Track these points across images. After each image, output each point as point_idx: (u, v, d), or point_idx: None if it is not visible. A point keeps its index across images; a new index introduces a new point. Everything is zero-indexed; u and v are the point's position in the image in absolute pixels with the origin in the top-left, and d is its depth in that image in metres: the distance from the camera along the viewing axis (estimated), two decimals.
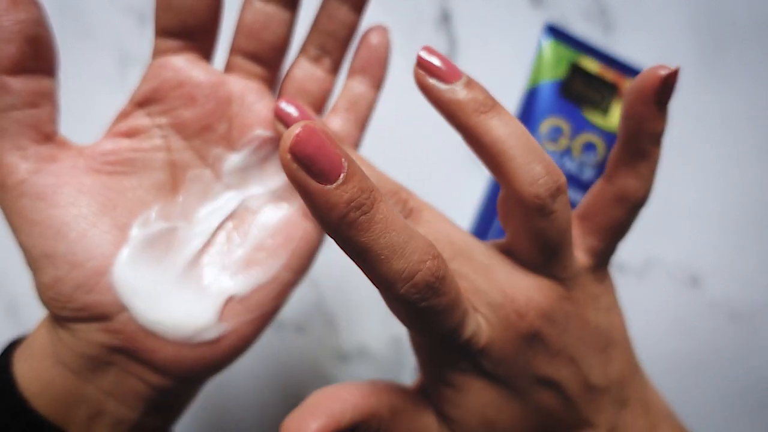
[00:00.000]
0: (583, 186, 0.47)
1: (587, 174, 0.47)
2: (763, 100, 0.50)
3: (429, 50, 0.23)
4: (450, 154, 0.51)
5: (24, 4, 0.23)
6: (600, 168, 0.47)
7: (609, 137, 0.47)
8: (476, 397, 0.24)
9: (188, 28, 0.27)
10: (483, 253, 0.25)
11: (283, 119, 0.27)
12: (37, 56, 0.24)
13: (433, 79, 0.23)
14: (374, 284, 0.20)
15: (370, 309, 0.48)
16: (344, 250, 0.19)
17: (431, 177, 0.51)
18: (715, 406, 0.52)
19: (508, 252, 0.25)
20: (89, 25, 0.48)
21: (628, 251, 0.51)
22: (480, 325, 0.23)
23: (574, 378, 0.25)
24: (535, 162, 0.22)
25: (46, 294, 0.25)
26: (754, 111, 0.50)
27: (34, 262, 0.25)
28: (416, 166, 0.51)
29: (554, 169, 0.23)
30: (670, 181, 0.51)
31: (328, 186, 0.17)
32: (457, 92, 0.23)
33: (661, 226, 0.51)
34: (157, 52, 0.27)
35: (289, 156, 0.17)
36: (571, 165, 0.47)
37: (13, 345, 0.27)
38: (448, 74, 0.23)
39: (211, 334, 0.26)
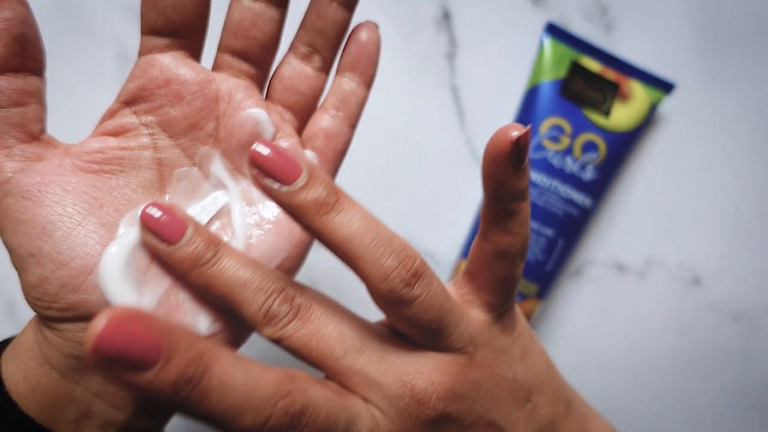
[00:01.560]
0: (584, 186, 0.47)
1: (588, 174, 0.47)
2: (763, 100, 0.50)
3: (264, 143, 0.22)
4: (450, 153, 0.50)
5: (9, 3, 0.23)
6: (601, 168, 0.47)
7: (610, 137, 0.47)
8: None
9: (175, 26, 0.26)
10: (376, 342, 0.24)
11: (150, 226, 0.25)
12: (24, 55, 0.24)
13: (269, 179, 0.22)
14: None
15: (369, 309, 0.48)
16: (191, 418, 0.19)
17: (431, 177, 0.50)
18: (716, 406, 0.52)
19: (399, 334, 0.25)
20: (89, 25, 0.48)
21: (629, 252, 0.51)
22: (376, 422, 0.23)
23: None
24: (384, 255, 0.22)
25: (31, 294, 0.24)
26: (754, 111, 0.50)
27: (19, 261, 0.24)
28: (417, 166, 0.50)
29: (406, 255, 0.22)
30: (670, 181, 0.51)
31: (149, 373, 0.17)
32: (297, 195, 0.22)
33: (662, 227, 0.51)
34: (144, 50, 0.27)
35: (93, 360, 0.16)
36: (572, 165, 0.47)
37: (1, 346, 0.27)
38: (286, 173, 0.22)
39: (201, 332, 0.26)
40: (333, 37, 0.30)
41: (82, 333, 0.25)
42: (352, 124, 0.31)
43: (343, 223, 0.22)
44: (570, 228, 0.48)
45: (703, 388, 0.52)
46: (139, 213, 0.25)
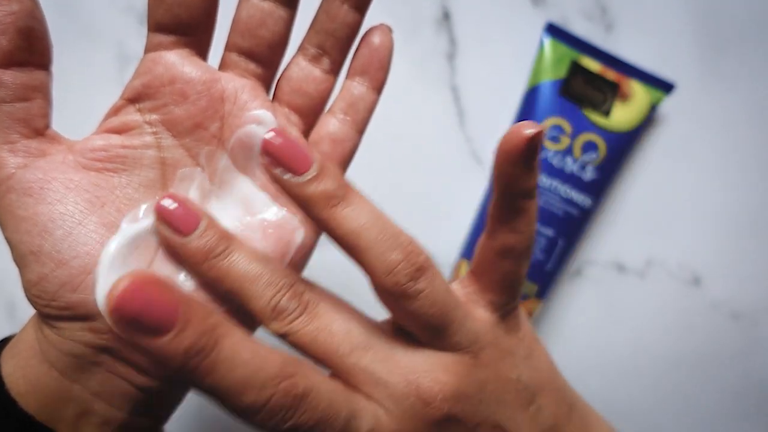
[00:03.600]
0: (584, 186, 0.47)
1: (588, 174, 0.47)
2: (763, 100, 0.50)
3: (277, 132, 0.23)
4: (451, 153, 0.50)
5: None
6: (601, 168, 0.47)
7: (610, 137, 0.47)
8: None
9: (182, 23, 0.26)
10: (383, 340, 0.24)
11: (164, 217, 0.24)
12: (30, 49, 0.24)
13: (280, 169, 0.23)
14: (234, 418, 0.20)
15: (369, 309, 0.48)
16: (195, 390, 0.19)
17: (431, 177, 0.50)
18: (716, 406, 0.52)
19: (405, 332, 0.25)
20: (89, 25, 0.48)
21: (629, 251, 0.51)
22: (379, 420, 0.23)
23: None
24: (390, 249, 0.22)
25: (31, 291, 0.24)
26: (754, 111, 0.50)
27: (20, 258, 0.24)
28: (417, 166, 0.50)
29: (412, 250, 0.23)
30: (670, 181, 0.51)
31: (164, 339, 0.17)
32: (306, 187, 0.22)
33: (662, 227, 0.51)
34: (150, 47, 0.27)
35: (113, 318, 0.16)
36: (572, 165, 0.47)
37: (1, 344, 0.27)
38: (297, 164, 0.22)
39: None
40: (343, 40, 0.29)
41: (81, 332, 0.24)
42: (360, 130, 0.30)
43: (350, 217, 0.23)
44: (570, 228, 0.48)
45: (702, 388, 0.52)
46: (151, 205, 0.25)
